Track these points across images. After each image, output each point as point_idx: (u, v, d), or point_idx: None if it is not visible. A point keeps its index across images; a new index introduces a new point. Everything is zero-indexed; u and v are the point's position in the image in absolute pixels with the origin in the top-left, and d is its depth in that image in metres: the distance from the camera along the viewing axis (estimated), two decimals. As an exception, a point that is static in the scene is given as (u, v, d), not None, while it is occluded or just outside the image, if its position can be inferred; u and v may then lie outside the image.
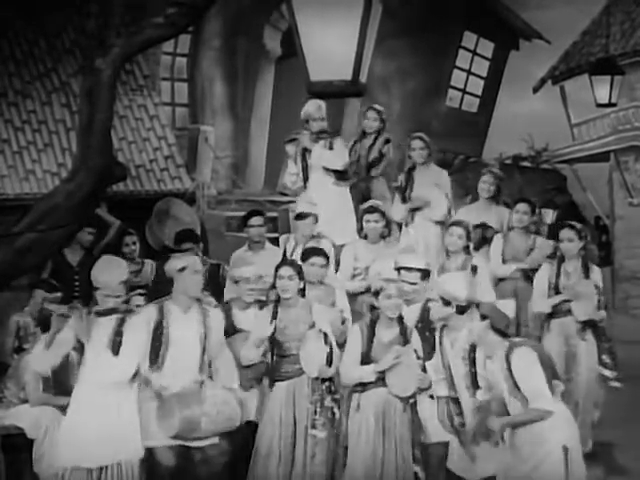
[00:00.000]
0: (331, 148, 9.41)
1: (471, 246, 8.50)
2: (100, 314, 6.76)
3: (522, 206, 8.88)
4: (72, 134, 10.75)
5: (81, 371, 6.81)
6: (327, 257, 7.95)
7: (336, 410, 7.05)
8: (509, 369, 6.26)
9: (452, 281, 7.17)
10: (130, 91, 11.78)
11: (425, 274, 7.74)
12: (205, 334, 6.97)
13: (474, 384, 6.92)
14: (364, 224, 8.61)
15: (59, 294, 8.45)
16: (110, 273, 6.79)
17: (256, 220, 8.91)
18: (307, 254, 7.92)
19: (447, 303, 6.99)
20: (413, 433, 7.06)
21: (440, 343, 7.12)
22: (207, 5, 6.30)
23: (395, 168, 10.02)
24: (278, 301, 7.24)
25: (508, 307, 6.71)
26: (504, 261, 8.79)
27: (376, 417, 7.02)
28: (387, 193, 9.72)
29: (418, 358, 7.07)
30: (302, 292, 7.35)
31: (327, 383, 7.04)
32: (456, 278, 7.32)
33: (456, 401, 7.03)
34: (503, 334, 6.42)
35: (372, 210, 8.62)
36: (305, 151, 9.54)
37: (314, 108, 9.44)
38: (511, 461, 6.38)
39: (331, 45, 4.41)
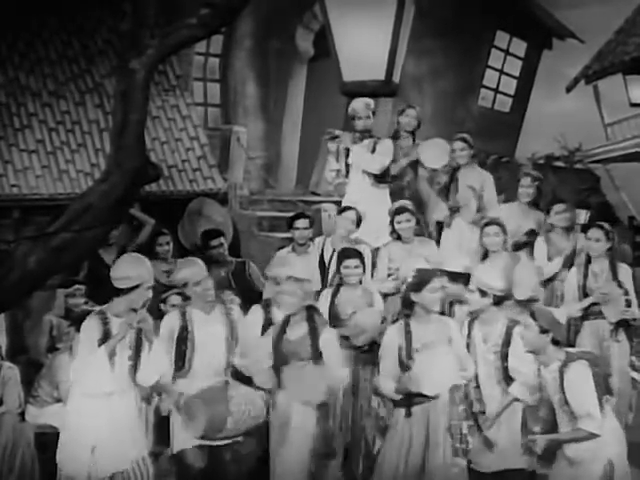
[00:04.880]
0: (374, 150, 9.29)
1: (509, 244, 8.48)
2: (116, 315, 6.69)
3: (560, 206, 8.85)
4: (105, 135, 10.81)
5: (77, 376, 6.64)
6: (362, 258, 7.94)
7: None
8: (561, 383, 6.23)
9: (489, 271, 7.19)
10: (163, 91, 11.82)
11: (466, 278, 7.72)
12: (230, 334, 7.03)
13: (506, 379, 6.92)
14: (395, 225, 8.57)
15: (80, 287, 8.50)
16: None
17: (301, 223, 8.85)
18: (342, 256, 7.93)
19: (484, 294, 6.98)
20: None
21: (468, 336, 7.10)
22: (240, 6, 6.30)
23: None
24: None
25: (562, 315, 6.68)
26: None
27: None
28: (432, 192, 9.62)
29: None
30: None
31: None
32: (492, 269, 7.34)
33: (476, 388, 7.00)
34: (559, 343, 6.39)
35: (401, 210, 8.58)
36: (347, 150, 9.43)
37: (361, 106, 9.23)
38: (563, 466, 6.35)
39: (364, 45, 4.41)
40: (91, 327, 6.57)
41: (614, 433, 6.31)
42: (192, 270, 7.14)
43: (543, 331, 6.32)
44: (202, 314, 7.13)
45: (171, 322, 7.16)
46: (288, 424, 6.79)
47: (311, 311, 6.89)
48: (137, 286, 6.59)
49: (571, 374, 6.20)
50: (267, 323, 7.42)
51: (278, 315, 7.41)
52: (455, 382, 6.76)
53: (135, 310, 6.65)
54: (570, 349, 6.52)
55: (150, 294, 6.75)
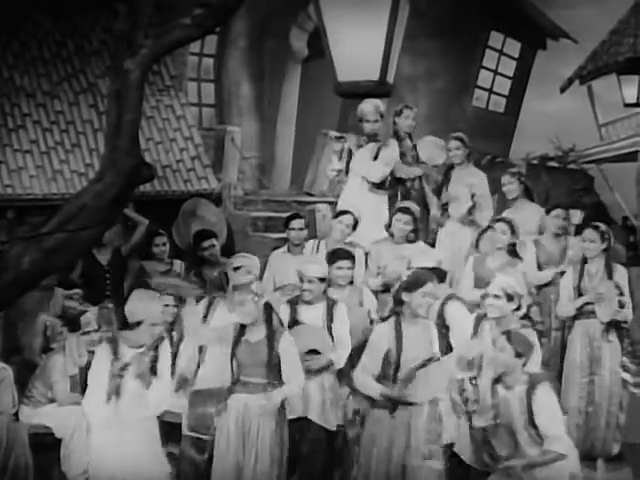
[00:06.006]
0: (376, 156, 9.20)
1: (520, 247, 8.46)
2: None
3: (559, 212, 8.87)
4: (99, 135, 10.82)
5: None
6: (353, 259, 7.92)
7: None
8: (529, 405, 6.23)
9: (516, 277, 7.25)
10: (157, 92, 11.82)
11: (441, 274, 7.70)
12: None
13: None
14: (393, 221, 8.53)
15: (78, 291, 8.52)
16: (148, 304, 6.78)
17: (296, 223, 8.83)
18: (334, 257, 7.90)
19: (510, 298, 7.00)
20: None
21: (475, 333, 7.09)
22: (235, 6, 6.29)
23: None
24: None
25: (530, 335, 6.74)
26: (539, 267, 8.72)
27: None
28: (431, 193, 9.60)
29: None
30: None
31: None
32: (518, 275, 7.42)
33: (474, 386, 6.96)
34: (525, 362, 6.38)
35: (404, 211, 8.52)
36: (351, 151, 9.36)
37: (370, 109, 9.09)
38: None
39: (358, 45, 4.41)
40: (102, 354, 6.74)
41: (571, 448, 6.38)
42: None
43: (518, 355, 6.30)
44: (225, 309, 7.12)
45: (199, 307, 7.33)
46: (247, 433, 6.65)
47: (268, 310, 6.70)
48: (142, 322, 6.68)
49: (539, 397, 6.22)
50: (292, 320, 7.35)
51: (303, 312, 7.36)
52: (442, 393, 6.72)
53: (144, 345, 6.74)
54: (533, 371, 6.49)
55: (157, 331, 6.77)
